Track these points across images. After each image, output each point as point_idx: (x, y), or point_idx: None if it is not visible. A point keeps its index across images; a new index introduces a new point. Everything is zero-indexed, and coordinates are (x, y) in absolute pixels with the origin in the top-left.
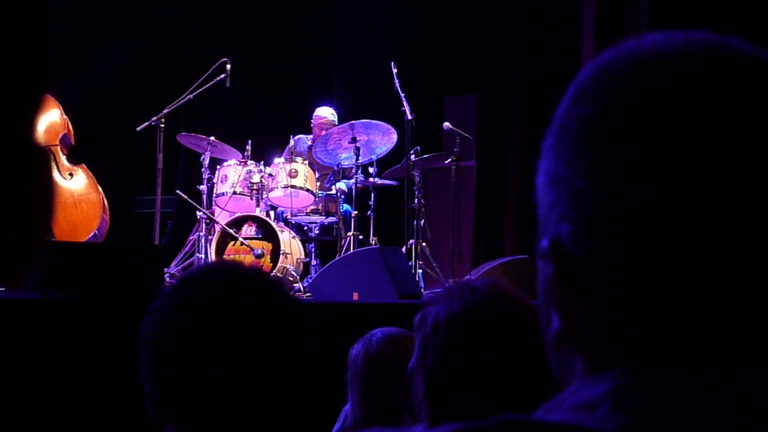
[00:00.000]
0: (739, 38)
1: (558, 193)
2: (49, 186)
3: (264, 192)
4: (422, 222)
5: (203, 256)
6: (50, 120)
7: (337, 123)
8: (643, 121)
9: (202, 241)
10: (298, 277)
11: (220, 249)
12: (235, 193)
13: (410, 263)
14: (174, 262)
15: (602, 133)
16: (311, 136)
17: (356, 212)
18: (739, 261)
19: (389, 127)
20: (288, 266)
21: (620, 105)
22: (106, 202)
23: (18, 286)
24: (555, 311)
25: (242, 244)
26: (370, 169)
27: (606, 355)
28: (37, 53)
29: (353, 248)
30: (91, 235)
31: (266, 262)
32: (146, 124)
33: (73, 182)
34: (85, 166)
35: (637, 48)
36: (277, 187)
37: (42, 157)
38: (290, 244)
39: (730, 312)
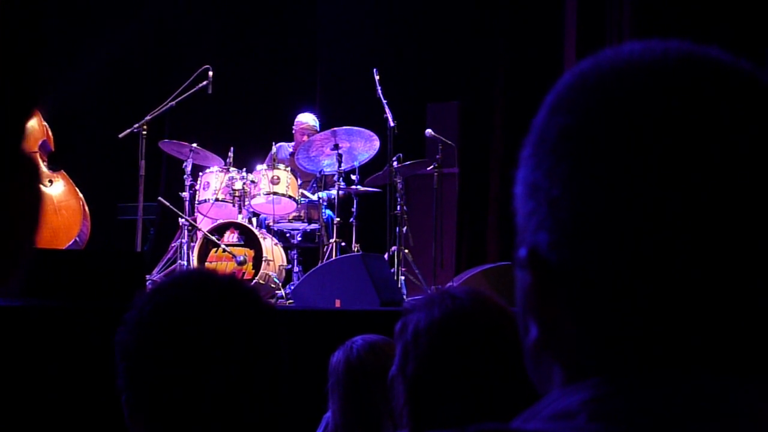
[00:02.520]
0: (716, 47)
1: (536, 203)
2: (37, 194)
3: (246, 199)
4: (404, 229)
5: (185, 262)
6: (29, 126)
7: (318, 129)
8: (620, 130)
9: (185, 247)
10: (280, 284)
11: (203, 256)
12: (217, 200)
13: (392, 270)
14: (156, 269)
15: (579, 142)
16: (293, 143)
17: (338, 219)
18: (716, 270)
19: (371, 133)
20: (270, 273)
21: (597, 114)
22: (86, 209)
23: (2, 292)
24: (533, 320)
25: (224, 251)
26: (353, 176)
27: (584, 364)
28: (30, 61)
29: (335, 255)
30: (71, 242)
31: (248, 269)
32: (128, 131)
33: (53, 189)
34: (64, 173)
35: (614, 57)
36: (259, 194)
37: (30, 165)
38: (272, 251)
39: (707, 321)
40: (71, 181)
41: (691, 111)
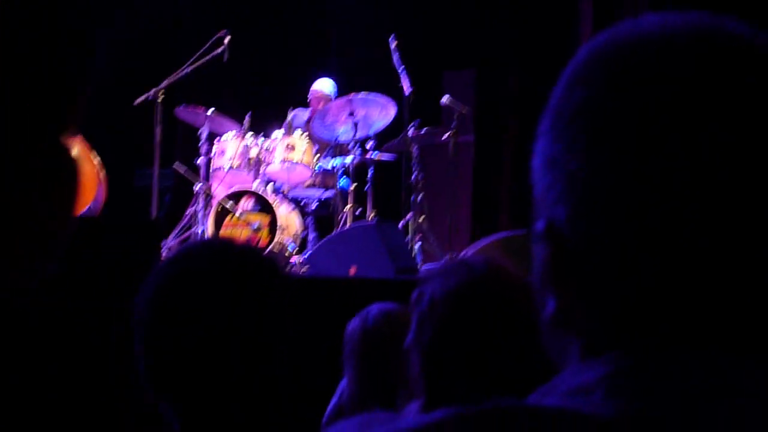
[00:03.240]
0: (734, 19)
1: (554, 176)
2: (74, 164)
3: (262, 166)
4: (420, 197)
5: (201, 229)
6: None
7: (334, 96)
8: (638, 104)
9: (200, 214)
10: (295, 251)
11: (218, 223)
12: (232, 167)
13: (407, 238)
14: (171, 236)
15: (597, 116)
16: (309, 110)
17: (354, 184)
18: (734, 247)
19: (388, 99)
20: (285, 240)
21: (615, 88)
22: (102, 175)
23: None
24: (550, 294)
25: (240, 218)
26: (368, 143)
27: (601, 339)
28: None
29: (350, 223)
30: (86, 209)
31: (264, 235)
32: (144, 97)
33: None
34: (82, 137)
35: (632, 30)
36: (274, 161)
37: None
38: (288, 218)
39: (726, 298)
40: (87, 146)
41: (708, 83)
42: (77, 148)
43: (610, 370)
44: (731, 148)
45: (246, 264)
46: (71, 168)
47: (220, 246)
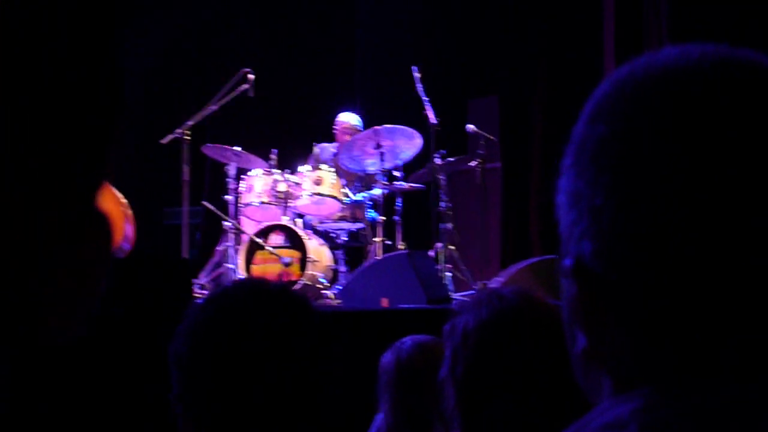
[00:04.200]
0: (753, 51)
1: (579, 212)
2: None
3: (290, 200)
4: (449, 225)
5: (232, 266)
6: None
7: (360, 128)
8: (659, 138)
9: (231, 251)
10: (327, 285)
11: (249, 259)
12: (261, 202)
13: (438, 267)
14: (203, 273)
15: (619, 151)
16: (335, 144)
17: (383, 218)
18: (763, 282)
19: (413, 131)
20: (317, 274)
21: (636, 123)
22: (130, 214)
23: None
24: (580, 330)
25: (270, 253)
26: (396, 174)
27: (633, 373)
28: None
29: (381, 254)
30: (115, 249)
31: (295, 270)
32: (171, 136)
33: None
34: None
35: (651, 64)
36: (303, 195)
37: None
38: (318, 251)
39: (759, 329)
40: (110, 186)
41: (730, 116)
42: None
43: (643, 404)
44: (757, 182)
45: (281, 303)
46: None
47: (255, 286)
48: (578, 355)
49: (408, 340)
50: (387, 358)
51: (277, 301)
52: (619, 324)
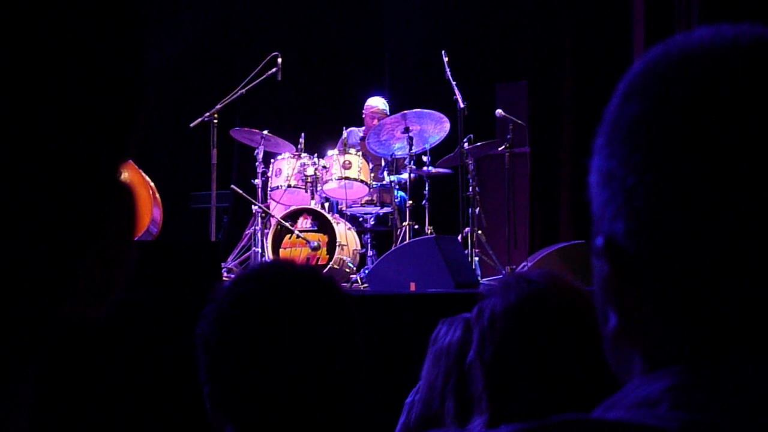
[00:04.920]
0: None
1: (611, 191)
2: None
3: (318, 184)
4: (477, 210)
5: (260, 250)
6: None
7: (388, 113)
8: (693, 117)
9: (259, 235)
10: (354, 269)
11: (277, 242)
12: (289, 186)
13: (466, 251)
14: (231, 257)
15: (653, 130)
16: (363, 128)
17: (411, 202)
18: None
19: (441, 115)
20: (344, 258)
21: (670, 102)
22: (158, 197)
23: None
24: (612, 309)
25: (298, 237)
26: (424, 158)
27: (664, 351)
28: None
29: (409, 238)
30: (143, 232)
31: (322, 254)
32: (199, 120)
33: None
34: (132, 162)
35: (685, 43)
36: (331, 179)
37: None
38: (346, 235)
39: None
40: (139, 170)
41: (764, 95)
42: (127, 173)
43: (674, 382)
44: None
45: (308, 285)
46: (129, 194)
47: (282, 268)
48: (610, 334)
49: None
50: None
51: (305, 283)
52: (651, 303)
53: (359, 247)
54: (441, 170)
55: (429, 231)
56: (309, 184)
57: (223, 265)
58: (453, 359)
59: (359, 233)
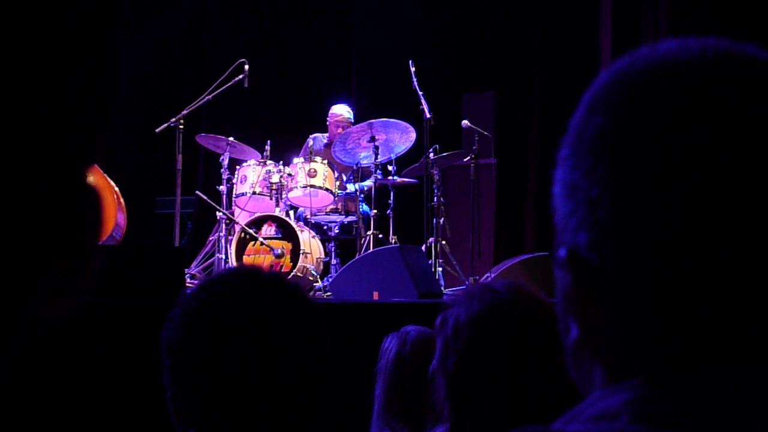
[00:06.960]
0: (753, 44)
1: (575, 203)
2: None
3: (283, 192)
4: (442, 220)
5: (223, 256)
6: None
7: (353, 121)
8: (657, 130)
9: (222, 241)
10: (318, 277)
11: (240, 249)
12: (254, 193)
13: (430, 262)
14: (194, 263)
15: (617, 142)
16: (327, 135)
17: (375, 211)
18: (761, 268)
19: (408, 125)
20: (308, 266)
21: (634, 114)
22: (122, 202)
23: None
24: (573, 320)
25: (262, 244)
26: (390, 168)
27: (625, 364)
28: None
29: (373, 247)
30: (107, 237)
31: (286, 261)
32: (165, 125)
33: None
34: (96, 167)
35: (650, 55)
36: (296, 187)
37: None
38: (310, 243)
39: (753, 319)
40: (104, 174)
41: (729, 109)
42: (93, 177)
43: (634, 395)
44: (755, 175)
45: (274, 292)
46: (95, 196)
47: (248, 274)
48: (571, 346)
49: (413, 330)
50: (390, 342)
51: (271, 289)
52: (612, 314)
53: (323, 256)
54: (406, 180)
55: (393, 240)
56: (274, 192)
57: (186, 271)
58: (385, 363)
59: (323, 241)
